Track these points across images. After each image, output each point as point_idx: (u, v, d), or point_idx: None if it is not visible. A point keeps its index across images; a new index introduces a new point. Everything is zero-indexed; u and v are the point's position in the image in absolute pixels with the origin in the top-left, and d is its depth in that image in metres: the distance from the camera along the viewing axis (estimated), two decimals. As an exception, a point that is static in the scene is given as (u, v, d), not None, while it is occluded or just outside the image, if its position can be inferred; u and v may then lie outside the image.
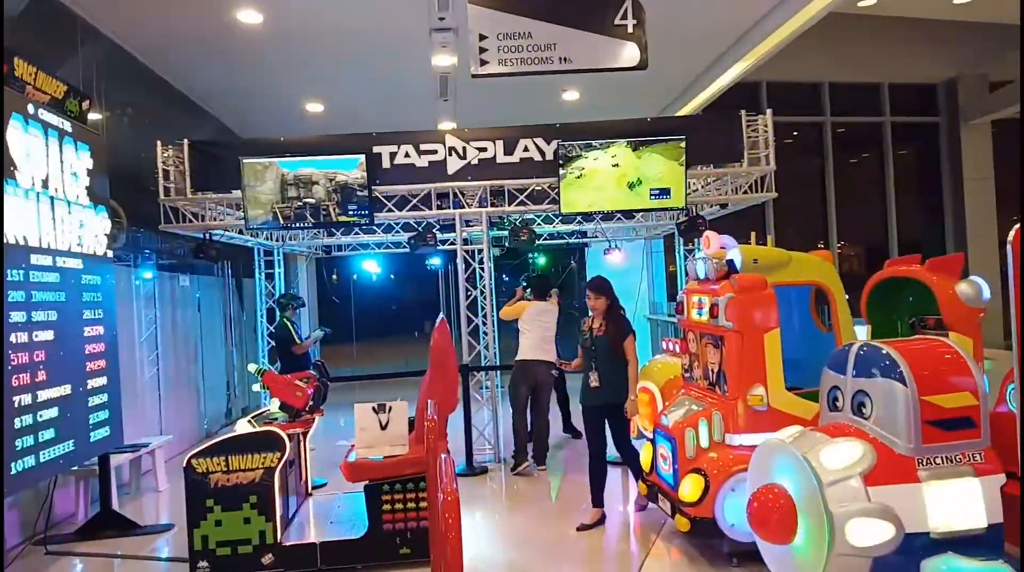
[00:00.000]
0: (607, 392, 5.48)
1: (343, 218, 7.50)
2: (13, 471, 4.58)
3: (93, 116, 7.40)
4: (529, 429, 7.48)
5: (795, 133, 14.36)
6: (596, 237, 12.28)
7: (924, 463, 3.12)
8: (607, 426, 5.62)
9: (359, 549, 4.87)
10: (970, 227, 14.47)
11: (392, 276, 23.99)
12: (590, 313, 5.76)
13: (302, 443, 5.85)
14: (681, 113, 11.44)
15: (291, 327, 7.87)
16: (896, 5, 12.33)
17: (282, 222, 7.49)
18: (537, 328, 7.42)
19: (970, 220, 14.50)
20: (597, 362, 5.54)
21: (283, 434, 4.83)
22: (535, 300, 7.61)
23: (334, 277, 19.60)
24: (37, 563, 5.46)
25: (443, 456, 2.17)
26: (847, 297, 5.37)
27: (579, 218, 10.11)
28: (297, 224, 7.59)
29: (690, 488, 4.50)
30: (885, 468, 3.12)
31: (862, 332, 5.76)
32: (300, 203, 7.41)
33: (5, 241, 4.65)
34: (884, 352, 3.30)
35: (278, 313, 8.63)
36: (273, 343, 8.98)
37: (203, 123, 10.83)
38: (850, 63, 13.65)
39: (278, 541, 4.79)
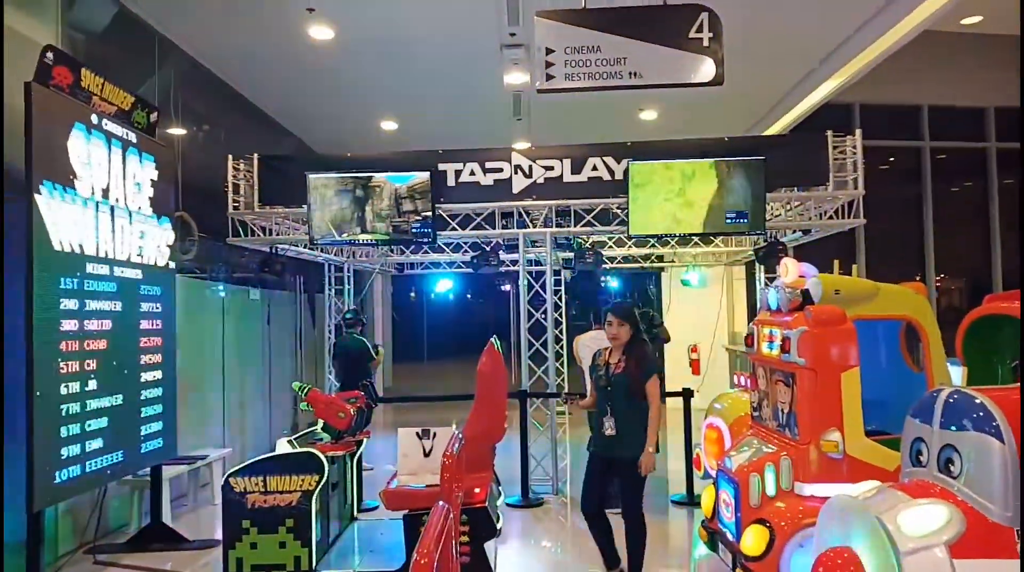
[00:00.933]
0: (624, 443, 4.59)
1: (405, 238, 7.38)
2: (57, 480, 4.56)
3: (170, 130, 7.57)
4: None
5: (891, 159, 13.57)
6: (673, 262, 11.84)
7: (1024, 535, 2.66)
8: (613, 483, 4.74)
9: (396, 582, 4.64)
10: (1080, 260, 13.31)
11: (468, 295, 24.06)
12: (606, 344, 4.91)
13: (348, 465, 5.68)
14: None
15: (367, 343, 7.90)
16: (1002, 22, 11.50)
17: (392, 236, 7.40)
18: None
19: (1079, 253, 13.34)
20: (613, 405, 4.64)
21: (323, 456, 4.66)
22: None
23: (412, 294, 19.76)
24: (84, 571, 5.44)
25: (442, 504, 1.90)
26: (942, 335, 4.87)
27: (652, 241, 9.76)
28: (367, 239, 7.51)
29: (753, 540, 4.07)
30: (975, 538, 2.67)
31: (957, 374, 5.21)
32: (419, 217, 7.29)
33: (60, 249, 4.66)
34: (978, 402, 2.85)
35: (345, 330, 8.60)
36: (336, 358, 8.93)
37: (280, 139, 10.99)
38: (952, 85, 12.82)
39: (313, 568, 4.61)
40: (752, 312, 12.27)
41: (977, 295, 13.52)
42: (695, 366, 7.59)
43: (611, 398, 4.65)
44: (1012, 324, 4.53)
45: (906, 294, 4.90)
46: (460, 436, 3.12)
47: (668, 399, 9.45)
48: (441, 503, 1.91)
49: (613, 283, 12.47)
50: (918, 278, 14.03)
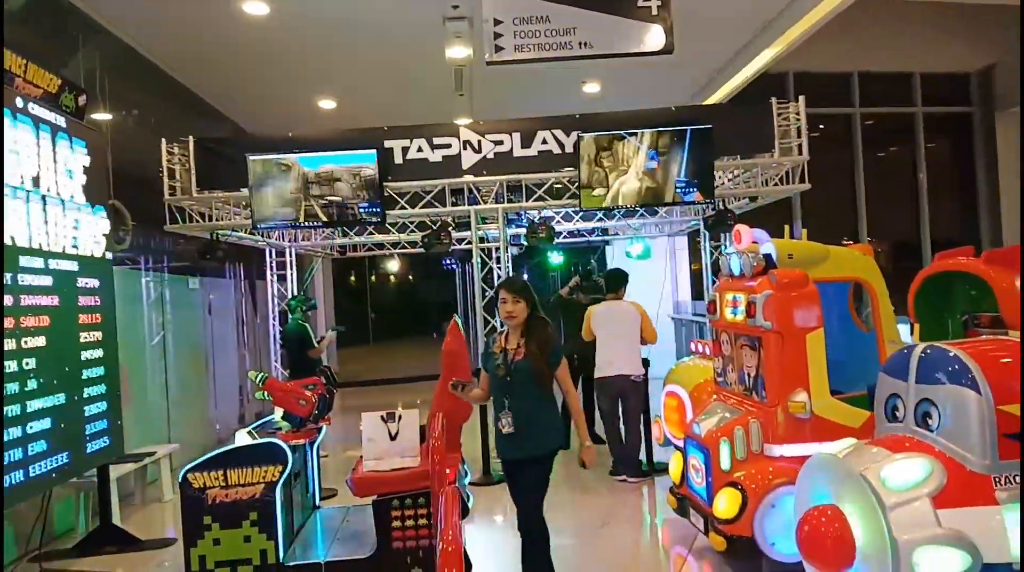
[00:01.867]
0: (526, 442, 3.95)
1: (356, 217, 7.18)
2: (-1, 486, 4.29)
3: (97, 115, 7.18)
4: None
5: (821, 126, 13.87)
6: (617, 234, 11.90)
7: (1002, 482, 2.72)
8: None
9: (367, 569, 4.51)
10: (1006, 221, 13.89)
11: (409, 277, 23.82)
12: (501, 326, 4.23)
13: (309, 453, 5.52)
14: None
15: (308, 329, 7.57)
16: (929, -13, 11.86)
17: (303, 220, 7.17)
18: (610, 335, 6.68)
19: (1006, 214, 13.92)
20: (512, 398, 3.92)
21: (285, 446, 4.50)
22: (608, 300, 6.92)
23: (351, 278, 19.43)
24: (31, 581, 5.18)
25: (446, 491, 1.81)
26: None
27: (600, 214, 9.78)
28: (311, 222, 7.28)
29: (726, 504, 4.11)
30: (957, 488, 2.72)
31: (905, 331, 5.33)
32: (325, 201, 7.07)
33: (-11, 241, 4.37)
34: (952, 354, 2.90)
35: (290, 315, 8.34)
36: (284, 346, 8.68)
37: (214, 122, 10.58)
38: (880, 52, 13.12)
39: (280, 561, 4.46)
40: (697, 282, 12.45)
41: (905, 257, 14.05)
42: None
43: (509, 390, 3.94)
44: (963, 279, 4.65)
45: (856, 256, 4.98)
46: (442, 418, 3.03)
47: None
48: (449, 486, 1.82)
49: (557, 258, 12.41)
50: (847, 241, 14.43)
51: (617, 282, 6.96)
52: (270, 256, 10.16)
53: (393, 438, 4.72)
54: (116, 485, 6.36)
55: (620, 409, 6.81)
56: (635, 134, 7.02)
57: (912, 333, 4.94)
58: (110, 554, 5.64)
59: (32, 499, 4.84)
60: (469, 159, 7.18)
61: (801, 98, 7.31)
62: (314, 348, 7.60)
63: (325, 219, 7.18)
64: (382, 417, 4.71)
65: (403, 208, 7.55)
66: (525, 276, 13.63)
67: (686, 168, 7.09)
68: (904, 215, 14.28)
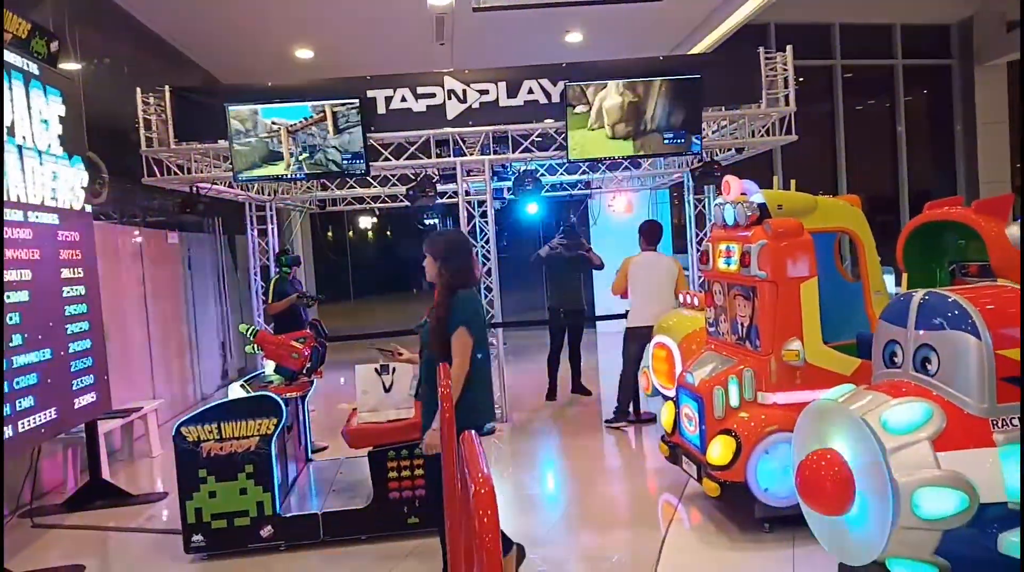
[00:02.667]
0: (428, 416, 3.58)
1: (335, 170, 7.06)
2: (-12, 443, 4.24)
3: (68, 65, 6.93)
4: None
5: (801, 78, 13.80)
6: (600, 188, 11.84)
7: (999, 425, 2.78)
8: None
9: (364, 519, 4.57)
10: (982, 173, 14.04)
11: (388, 232, 23.59)
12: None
13: (301, 407, 5.51)
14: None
15: (272, 285, 7.47)
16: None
17: (284, 173, 7.03)
18: (648, 285, 6.76)
19: (982, 166, 14.05)
20: (423, 364, 3.68)
21: (279, 399, 4.48)
22: (645, 250, 6.95)
23: (329, 234, 19.22)
24: (23, 536, 5.15)
25: (464, 436, 1.80)
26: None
27: (585, 166, 9.71)
28: (292, 174, 7.14)
29: (720, 451, 4.17)
30: (956, 431, 2.77)
31: (890, 281, 5.38)
32: (306, 152, 6.95)
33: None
34: (951, 300, 2.93)
35: (271, 271, 8.23)
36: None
37: (188, 72, 10.29)
38: (861, 3, 13.04)
39: (277, 512, 4.48)
40: (679, 235, 12.46)
41: (883, 209, 14.16)
42: (625, 291, 7.70)
43: (421, 358, 3.71)
44: (952, 228, 4.70)
45: (843, 207, 4.99)
46: (446, 367, 3.02)
47: (611, 322, 9.63)
48: (471, 432, 1.81)
49: (533, 210, 12.26)
50: (821, 193, 14.44)
51: (656, 234, 7.03)
52: (250, 210, 9.99)
53: (387, 390, 4.72)
54: (104, 441, 6.33)
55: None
56: (623, 83, 6.93)
57: (899, 283, 5.01)
58: (101, 508, 5.63)
59: (21, 456, 4.78)
60: (454, 109, 7.06)
61: (788, 48, 7.26)
62: (268, 303, 7.50)
63: (307, 171, 7.04)
64: (376, 369, 4.70)
65: (387, 160, 7.43)
66: (493, 230, 13.56)
67: (675, 118, 7.03)
68: (882, 168, 14.36)
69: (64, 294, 5.27)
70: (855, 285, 5.13)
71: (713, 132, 8.22)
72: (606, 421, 7.10)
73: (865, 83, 14.27)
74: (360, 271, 18.89)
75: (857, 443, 2.86)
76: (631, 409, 7.10)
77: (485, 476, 1.44)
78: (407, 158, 7.46)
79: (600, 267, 8.25)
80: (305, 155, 6.91)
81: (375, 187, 10.06)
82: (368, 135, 6.98)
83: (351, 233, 19.35)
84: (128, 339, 7.71)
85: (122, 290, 7.71)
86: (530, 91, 7.08)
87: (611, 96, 6.94)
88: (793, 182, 5.39)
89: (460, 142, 7.45)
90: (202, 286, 10.04)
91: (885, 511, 2.72)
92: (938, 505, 2.67)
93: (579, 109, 6.92)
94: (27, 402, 4.65)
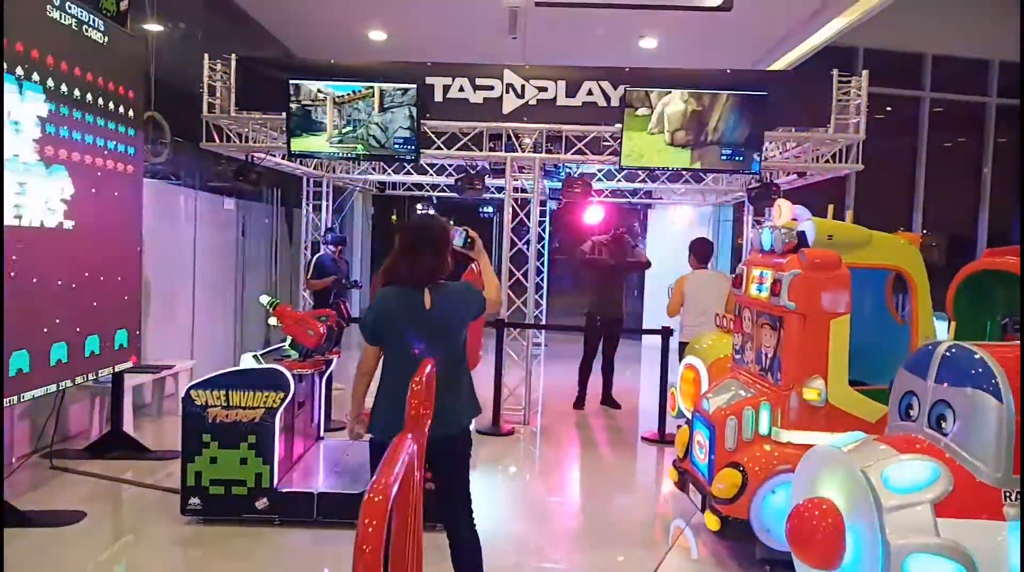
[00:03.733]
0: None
1: (384, 153, 7.05)
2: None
3: (142, 25, 7.11)
4: None
5: (888, 108, 13.27)
6: (661, 198, 11.62)
7: (1012, 497, 2.56)
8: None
9: (358, 505, 4.51)
10: (1066, 224, 13.26)
11: (451, 221, 23.72)
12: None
13: (316, 384, 5.52)
14: (766, 72, 10.59)
15: (313, 262, 7.55)
16: (1016, -28, 11.11)
17: (337, 151, 7.08)
18: (703, 301, 6.74)
19: (1070, 214, 13.27)
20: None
21: (288, 373, 4.49)
22: (696, 268, 7.02)
23: (393, 217, 19.40)
24: (40, 476, 5.31)
25: (408, 438, 1.72)
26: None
27: (643, 175, 9.52)
28: (345, 153, 7.18)
29: (725, 484, 3.99)
30: (962, 498, 2.56)
31: (943, 329, 5.08)
32: (360, 133, 6.99)
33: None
34: (977, 357, 2.71)
35: (321, 247, 8.31)
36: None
37: (263, 43, 10.47)
38: (958, 34, 12.42)
39: (274, 486, 4.49)
40: (739, 256, 12.15)
41: (959, 252, 13.53)
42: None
43: None
44: (1008, 280, 4.40)
45: (900, 244, 4.74)
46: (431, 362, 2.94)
47: (647, 337, 9.44)
48: (409, 436, 1.73)
49: (601, 217, 12.13)
50: (902, 230, 13.86)
51: (707, 252, 7.13)
52: (307, 185, 10.12)
53: (397, 378, 4.67)
54: (133, 394, 6.48)
55: None
56: (685, 93, 6.73)
57: (948, 331, 4.72)
58: (118, 459, 5.76)
59: (46, 398, 4.91)
60: (511, 103, 6.97)
61: (864, 72, 6.93)
62: (308, 280, 7.58)
63: (350, 147, 7.05)
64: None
65: (439, 148, 7.40)
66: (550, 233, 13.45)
67: (735, 134, 6.80)
68: (963, 209, 13.70)
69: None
70: (904, 327, 4.88)
71: (780, 153, 7.94)
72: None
73: (955, 119, 13.63)
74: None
75: (854, 496, 2.67)
76: (658, 429, 6.94)
77: (384, 484, 1.35)
78: (459, 148, 7.41)
79: (647, 266, 8.16)
80: (349, 128, 6.92)
81: (431, 175, 10.06)
82: (422, 122, 6.96)
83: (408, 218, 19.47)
84: (172, 297, 7.89)
85: (172, 250, 7.88)
86: (590, 92, 6.95)
87: (675, 102, 6.76)
88: (849, 213, 5.14)
89: (514, 138, 7.37)
90: (254, 254, 10.21)
91: (873, 573, 2.54)
92: (931, 575, 2.48)
93: (640, 111, 6.75)
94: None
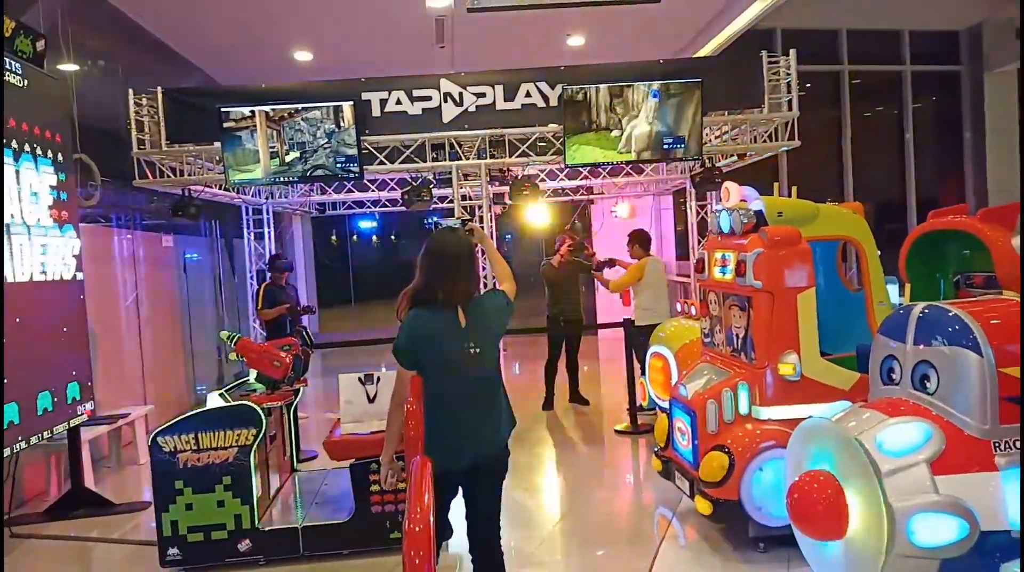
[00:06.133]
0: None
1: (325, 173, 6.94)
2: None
3: (60, 65, 6.84)
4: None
5: (808, 84, 13.63)
6: (602, 193, 11.71)
7: (1002, 447, 2.63)
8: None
9: (345, 533, 4.43)
10: (991, 181, 13.81)
11: (392, 235, 23.48)
12: None
13: (285, 415, 5.38)
14: (692, 60, 10.77)
15: (262, 291, 7.35)
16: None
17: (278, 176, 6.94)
18: (656, 287, 7.12)
19: (991, 174, 13.83)
20: None
21: (259, 408, 4.35)
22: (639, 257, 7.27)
23: (333, 238, 19.13)
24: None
25: (416, 461, 1.67)
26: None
27: (586, 172, 9.59)
28: (286, 178, 7.03)
29: (712, 467, 4.02)
30: (955, 453, 2.62)
31: (893, 291, 5.23)
32: (299, 156, 6.86)
33: None
34: (952, 314, 2.78)
35: (267, 276, 8.11)
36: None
37: (185, 74, 10.20)
38: (869, 8, 12.86)
39: (256, 526, 4.35)
40: (682, 242, 12.32)
41: (889, 217, 13.98)
42: (626, 297, 7.59)
43: None
44: (956, 238, 4.54)
45: (846, 215, 4.86)
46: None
47: (609, 330, 9.49)
48: (419, 459, 1.67)
49: (546, 217, 12.14)
50: (830, 201, 14.18)
51: (649, 240, 7.47)
52: (247, 214, 9.89)
53: (371, 400, 4.60)
54: (90, 448, 6.21)
55: None
56: (622, 86, 6.80)
57: (902, 293, 4.85)
58: (82, 517, 5.51)
59: (-1, 464, 4.67)
60: (450, 112, 6.93)
61: (792, 52, 7.11)
62: (260, 310, 7.38)
63: (300, 174, 6.93)
64: (360, 379, 4.58)
65: (381, 163, 7.31)
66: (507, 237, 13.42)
67: (675, 123, 6.89)
68: (890, 175, 14.16)
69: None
70: (858, 295, 4.99)
71: (715, 138, 8.07)
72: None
73: (873, 89, 14.08)
74: (362, 275, 18.76)
75: (851, 465, 2.71)
76: (629, 420, 6.97)
77: (422, 514, 1.29)
78: (402, 162, 7.34)
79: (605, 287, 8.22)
80: (291, 153, 6.80)
81: (373, 191, 9.94)
82: (362, 138, 6.86)
83: (354, 237, 19.24)
84: (119, 343, 7.61)
85: (114, 294, 7.60)
86: (527, 94, 6.96)
87: (641, 125, 6.94)
88: (795, 189, 5.24)
89: (456, 146, 7.33)
90: (198, 290, 9.93)
91: (879, 538, 2.57)
92: (936, 532, 2.53)
93: (614, 133, 6.88)
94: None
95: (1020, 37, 12.10)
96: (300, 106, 6.76)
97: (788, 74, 7.12)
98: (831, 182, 13.84)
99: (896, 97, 13.88)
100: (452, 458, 2.87)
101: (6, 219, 4.69)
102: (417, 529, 1.24)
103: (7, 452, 4.59)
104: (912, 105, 13.81)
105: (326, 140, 6.81)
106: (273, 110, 6.75)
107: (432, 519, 1.78)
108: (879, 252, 4.84)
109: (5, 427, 4.53)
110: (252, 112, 6.78)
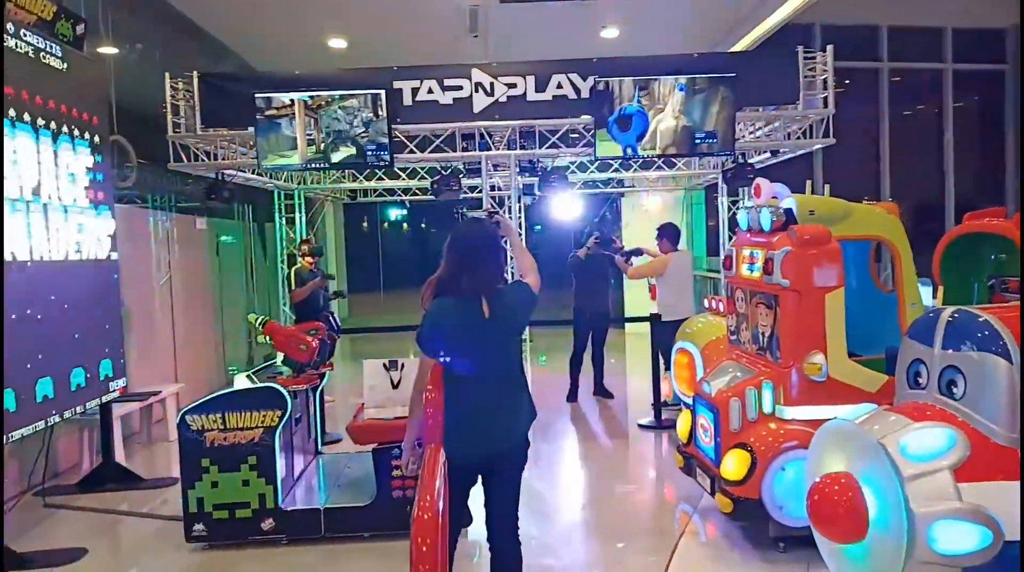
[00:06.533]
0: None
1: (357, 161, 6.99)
2: None
3: (99, 48, 6.96)
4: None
5: (847, 81, 13.41)
6: (633, 186, 11.64)
7: (1029, 456, 2.59)
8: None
9: (366, 516, 4.49)
10: (1033, 184, 13.50)
11: (422, 224, 23.57)
12: None
13: (310, 399, 5.45)
14: (729, 54, 10.64)
15: (292, 273, 7.41)
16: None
17: (309, 162, 6.99)
18: (681, 282, 7.14)
19: (1033, 177, 13.52)
20: None
21: (284, 391, 4.42)
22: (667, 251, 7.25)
23: (364, 225, 19.27)
24: (34, 515, 5.18)
25: (430, 448, 1.69)
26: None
27: (615, 164, 9.54)
28: (317, 164, 7.09)
29: (734, 465, 4.00)
30: (980, 461, 2.59)
31: (927, 293, 5.16)
32: (332, 142, 6.91)
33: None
34: (982, 320, 2.74)
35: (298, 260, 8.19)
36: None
37: (222, 59, 10.32)
38: (911, 5, 12.60)
39: (279, 506, 4.42)
40: (713, 237, 12.22)
41: (927, 219, 13.74)
42: (653, 291, 7.57)
43: None
44: (991, 242, 4.46)
45: (880, 215, 4.78)
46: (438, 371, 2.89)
47: (635, 324, 9.48)
48: (432, 446, 1.69)
49: (575, 210, 12.10)
50: (868, 199, 13.94)
51: (679, 235, 7.41)
52: (278, 198, 9.99)
53: (395, 386, 4.64)
54: (121, 424, 6.35)
55: None
56: (655, 80, 6.75)
57: (935, 295, 4.78)
58: (112, 491, 5.65)
59: (34, 436, 4.79)
60: (481, 102, 6.93)
61: (829, 48, 7.00)
62: (292, 290, 7.42)
63: (332, 161, 6.99)
64: (384, 365, 4.63)
65: (412, 152, 7.34)
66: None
67: (707, 118, 6.82)
68: (928, 176, 13.90)
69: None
70: (890, 296, 4.91)
71: (750, 132, 7.98)
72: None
73: (913, 88, 13.81)
74: (391, 263, 18.88)
75: (873, 468, 2.68)
76: (654, 416, 6.97)
77: (431, 501, 1.31)
78: (432, 151, 7.36)
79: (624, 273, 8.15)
80: (325, 138, 6.85)
81: (403, 179, 9.99)
82: (393, 127, 6.89)
83: (385, 225, 19.34)
84: (152, 323, 7.75)
85: (148, 274, 7.74)
86: (559, 86, 6.93)
87: (666, 119, 6.83)
88: (827, 187, 5.17)
89: (487, 136, 7.33)
90: (230, 272, 10.07)
91: (899, 543, 2.55)
92: (957, 540, 2.50)
93: None
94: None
95: (1020, 36, 11.80)
96: (338, 93, 6.79)
97: (824, 70, 7.01)
98: (868, 181, 13.62)
99: (937, 96, 13.61)
100: (470, 448, 2.89)
101: (43, 198, 4.80)
102: (426, 517, 1.26)
103: (41, 424, 4.71)
104: (954, 104, 13.53)
105: (363, 129, 6.84)
106: (312, 98, 6.80)
107: (442, 506, 1.81)
108: (913, 253, 4.77)
109: (39, 400, 4.65)
110: (292, 101, 6.83)
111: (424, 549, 1.19)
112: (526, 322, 3.15)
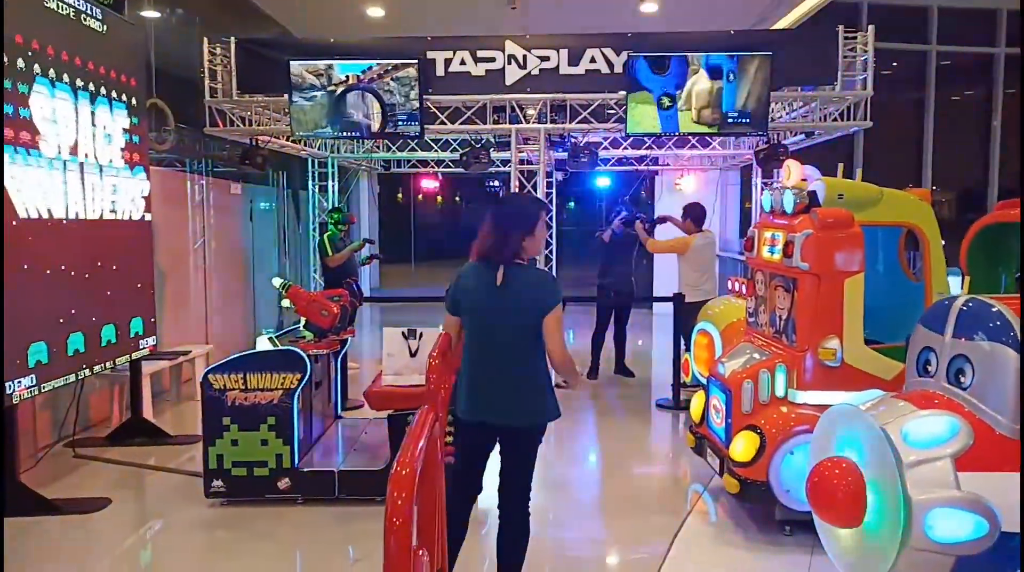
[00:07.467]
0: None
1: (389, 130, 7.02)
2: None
3: (140, 12, 7.06)
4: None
5: (894, 63, 13.07)
6: (668, 164, 11.54)
7: (1033, 449, 2.56)
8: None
9: (379, 480, 4.55)
10: (1080, 174, 13.08)
11: (456, 197, 23.64)
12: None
13: (332, 364, 5.56)
14: (770, 32, 10.43)
15: (326, 240, 7.50)
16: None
17: (341, 131, 7.06)
18: (705, 264, 7.07)
19: (1081, 167, 13.09)
20: None
21: (304, 355, 4.52)
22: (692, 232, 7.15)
23: (399, 196, 19.39)
24: (64, 465, 5.38)
25: (426, 409, 1.73)
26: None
27: (649, 142, 9.46)
28: (348, 133, 7.16)
29: (743, 447, 4.01)
30: (982, 451, 2.57)
31: (956, 284, 5.07)
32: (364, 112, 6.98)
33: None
34: (995, 310, 2.70)
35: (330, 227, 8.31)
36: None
37: (261, 25, 10.39)
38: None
39: (295, 466, 4.54)
40: (747, 220, 12.08)
41: (970, 207, 13.39)
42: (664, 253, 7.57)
43: None
44: (1020, 233, 4.36)
45: (911, 201, 4.69)
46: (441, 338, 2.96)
47: (664, 304, 9.44)
48: (425, 408, 1.74)
49: (605, 184, 12.05)
50: (911, 186, 13.55)
51: (705, 215, 7.28)
52: (312, 166, 10.10)
53: (413, 355, 4.70)
54: (151, 381, 6.54)
55: None
56: (689, 57, 6.66)
57: (963, 285, 4.69)
58: (139, 445, 5.83)
59: (65, 388, 4.97)
60: (513, 75, 6.91)
61: (870, 27, 6.83)
62: (329, 256, 7.51)
63: (364, 130, 7.04)
64: (403, 333, 4.69)
65: (442, 123, 7.36)
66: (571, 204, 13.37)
67: (741, 97, 6.73)
68: (973, 163, 13.54)
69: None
70: (919, 285, 4.83)
71: (786, 112, 7.85)
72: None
73: (962, 72, 13.42)
74: (423, 234, 19.00)
75: (873, 453, 2.68)
76: (672, 395, 6.97)
77: (410, 457, 1.36)
78: (462, 122, 7.37)
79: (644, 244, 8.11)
80: (363, 113, 6.91)
81: (435, 151, 10.02)
82: (425, 97, 6.92)
83: (419, 196, 19.42)
84: (185, 284, 7.93)
85: (183, 236, 7.91)
86: (592, 60, 6.88)
87: (702, 80, 6.73)
88: (859, 171, 5.08)
89: (518, 109, 7.32)
90: (263, 238, 10.23)
91: (895, 529, 2.55)
92: (953, 528, 2.49)
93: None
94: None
95: (1020, 36, 11.37)
96: (391, 63, 6.82)
97: (865, 51, 6.85)
98: (910, 167, 13.32)
99: (987, 80, 13.20)
100: (468, 411, 3.15)
101: (80, 158, 4.92)
102: (404, 472, 1.30)
103: (72, 377, 4.87)
104: (1005, 90, 13.11)
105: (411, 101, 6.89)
106: (364, 72, 6.85)
107: (431, 468, 1.87)
108: (951, 242, 4.67)
109: (70, 354, 4.81)
110: (346, 77, 6.89)
111: (399, 503, 1.23)
112: (542, 308, 3.05)
